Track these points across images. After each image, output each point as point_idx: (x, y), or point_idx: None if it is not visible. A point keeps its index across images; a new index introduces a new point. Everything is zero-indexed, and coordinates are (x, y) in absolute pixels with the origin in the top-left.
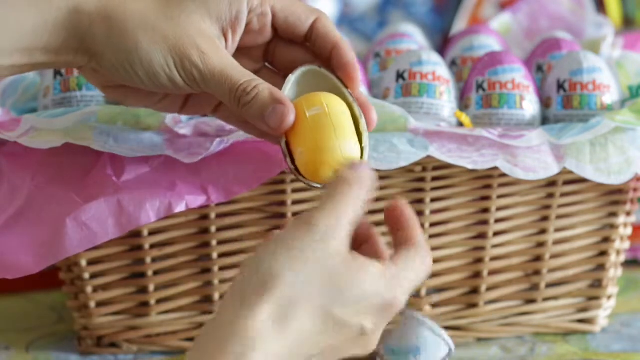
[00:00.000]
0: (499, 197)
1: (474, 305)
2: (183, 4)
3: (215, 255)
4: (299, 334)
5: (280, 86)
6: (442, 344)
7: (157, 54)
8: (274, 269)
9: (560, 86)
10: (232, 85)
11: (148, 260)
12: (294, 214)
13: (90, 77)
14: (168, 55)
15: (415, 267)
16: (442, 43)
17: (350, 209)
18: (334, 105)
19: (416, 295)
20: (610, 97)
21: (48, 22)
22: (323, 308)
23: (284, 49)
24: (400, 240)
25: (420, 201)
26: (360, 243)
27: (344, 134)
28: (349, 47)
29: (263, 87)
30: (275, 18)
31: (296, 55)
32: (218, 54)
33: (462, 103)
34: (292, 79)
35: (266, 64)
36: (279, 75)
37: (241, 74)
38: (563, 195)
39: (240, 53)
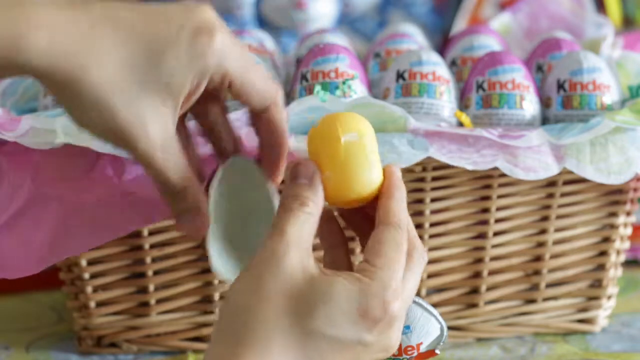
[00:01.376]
0: (499, 197)
1: (474, 305)
2: (146, 86)
3: None
4: None
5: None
6: (433, 321)
7: (101, 130)
8: (243, 306)
9: (560, 86)
10: (169, 187)
11: (148, 260)
12: None
13: None
14: (112, 139)
15: (392, 253)
16: (442, 43)
17: (297, 227)
18: (369, 134)
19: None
20: (610, 97)
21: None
22: (303, 330)
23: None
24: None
25: (420, 201)
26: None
27: (373, 165)
28: (286, 149)
29: (189, 191)
30: (230, 88)
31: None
32: (166, 148)
33: (462, 103)
34: (220, 172)
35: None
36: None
37: (182, 176)
38: (563, 195)
39: None
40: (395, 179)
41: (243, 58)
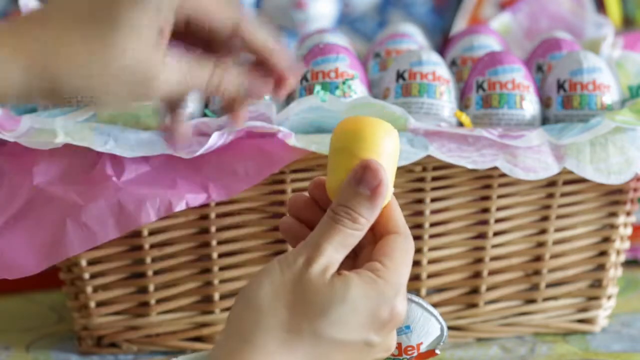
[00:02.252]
0: (499, 197)
1: (474, 305)
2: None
3: (215, 255)
4: None
5: None
6: (433, 321)
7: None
8: (259, 303)
9: (560, 86)
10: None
11: (148, 260)
12: None
13: None
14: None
15: (402, 259)
16: (442, 43)
17: (335, 245)
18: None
19: (416, 294)
20: (610, 97)
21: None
22: (314, 333)
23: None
24: (379, 232)
25: (420, 201)
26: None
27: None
28: (279, 55)
29: (225, 77)
30: (189, 19)
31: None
32: (168, 74)
33: (462, 103)
34: None
35: None
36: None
37: (192, 79)
38: (563, 195)
39: None
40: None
41: None
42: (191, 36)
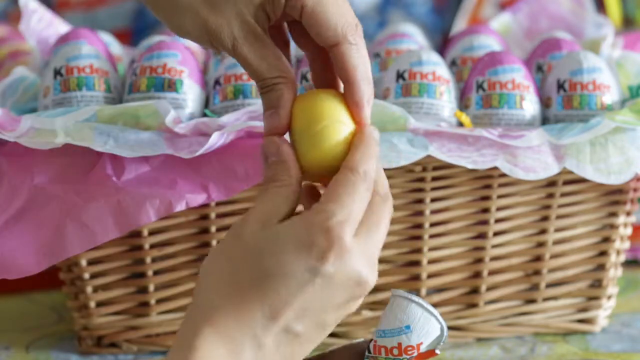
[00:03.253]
0: (499, 197)
1: (474, 305)
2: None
3: None
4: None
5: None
6: (433, 321)
7: (201, 35)
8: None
9: (560, 86)
10: (258, 75)
11: (148, 260)
12: None
13: None
14: (207, 40)
15: (342, 188)
16: (442, 43)
17: (265, 202)
18: (334, 114)
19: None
20: (610, 97)
21: None
22: (259, 275)
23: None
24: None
25: (420, 201)
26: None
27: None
28: (360, 85)
29: (279, 88)
30: (302, 17)
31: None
32: (250, 42)
33: (462, 103)
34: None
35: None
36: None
37: (270, 68)
38: (563, 195)
39: None
40: (364, 134)
41: None
42: (300, 29)
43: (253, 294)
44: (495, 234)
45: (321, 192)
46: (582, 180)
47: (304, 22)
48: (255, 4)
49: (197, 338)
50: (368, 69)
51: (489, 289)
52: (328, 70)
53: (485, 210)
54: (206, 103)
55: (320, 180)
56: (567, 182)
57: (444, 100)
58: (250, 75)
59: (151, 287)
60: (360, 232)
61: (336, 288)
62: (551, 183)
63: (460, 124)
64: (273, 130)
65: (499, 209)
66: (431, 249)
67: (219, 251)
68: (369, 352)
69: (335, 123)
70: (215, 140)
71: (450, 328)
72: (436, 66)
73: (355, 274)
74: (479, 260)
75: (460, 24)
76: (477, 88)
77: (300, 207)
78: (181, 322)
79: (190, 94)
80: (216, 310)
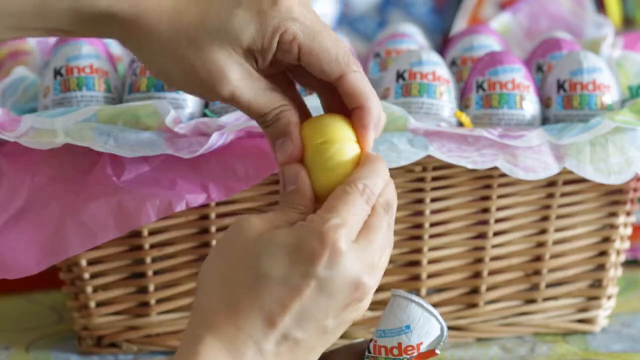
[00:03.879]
0: (499, 197)
1: (474, 305)
2: (209, 36)
3: None
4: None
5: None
6: (433, 321)
7: (187, 88)
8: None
9: (560, 86)
10: (259, 112)
11: (148, 260)
12: None
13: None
14: (198, 86)
15: (339, 200)
16: (442, 43)
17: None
18: (338, 139)
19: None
20: (610, 97)
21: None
22: (254, 277)
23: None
24: None
25: (420, 201)
26: None
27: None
28: (370, 109)
29: (284, 115)
30: (300, 59)
31: (316, 85)
32: (246, 84)
33: (462, 103)
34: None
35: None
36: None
37: (269, 102)
38: (563, 195)
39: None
40: (369, 157)
41: (312, 21)
42: (299, 71)
43: (250, 299)
44: (495, 234)
45: None
46: (582, 180)
47: (303, 64)
48: (243, 47)
49: (199, 344)
50: (375, 93)
51: (489, 289)
52: (335, 99)
53: (485, 210)
54: (206, 103)
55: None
56: (567, 182)
57: (444, 100)
58: (250, 114)
59: (151, 287)
60: (360, 235)
61: (333, 292)
62: (551, 183)
63: (460, 124)
64: (288, 158)
65: (499, 209)
66: (431, 249)
67: (217, 251)
68: (369, 352)
69: (346, 145)
70: (215, 140)
71: (450, 328)
72: (436, 66)
73: (351, 277)
74: (479, 260)
75: (460, 24)
76: (477, 88)
77: None
78: (182, 322)
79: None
80: (216, 315)
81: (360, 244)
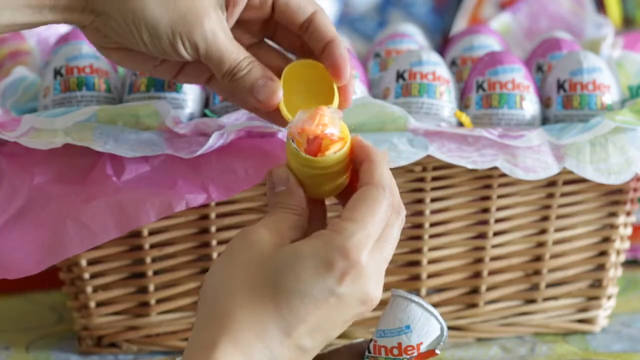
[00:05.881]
0: (499, 197)
1: (474, 305)
2: None
3: (215, 255)
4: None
5: (277, 60)
6: (433, 321)
7: (163, 22)
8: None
9: (560, 86)
10: (231, 62)
11: (148, 260)
12: None
13: (91, 36)
14: (174, 26)
15: (366, 208)
16: (442, 43)
17: (274, 220)
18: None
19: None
20: (610, 97)
21: None
22: (274, 291)
23: (283, 30)
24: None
25: (420, 201)
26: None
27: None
28: (342, 44)
29: (256, 64)
30: (275, 2)
31: (293, 41)
32: (221, 32)
33: (462, 103)
34: (287, 68)
35: (266, 40)
36: (277, 52)
37: (241, 53)
38: (563, 195)
39: (239, 25)
40: (364, 146)
41: None
42: (269, 23)
43: (271, 309)
44: (495, 234)
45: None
46: (582, 180)
47: (278, 8)
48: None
49: (216, 349)
50: None
51: (489, 289)
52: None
53: (485, 210)
54: (206, 103)
55: (324, 197)
56: (567, 182)
57: (444, 100)
58: (221, 62)
59: (151, 287)
60: (375, 247)
61: (346, 306)
62: (551, 183)
63: (460, 124)
64: (272, 95)
65: (499, 209)
66: (431, 249)
67: (230, 258)
68: (369, 352)
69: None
70: (215, 140)
71: (450, 328)
72: (436, 66)
73: (364, 293)
74: (479, 260)
75: (460, 24)
76: (477, 88)
77: None
78: (182, 322)
79: (190, 93)
80: (233, 321)
81: (377, 254)
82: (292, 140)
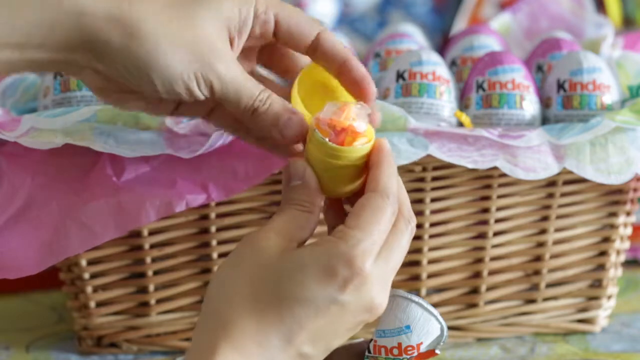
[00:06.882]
0: (499, 197)
1: (474, 305)
2: (193, 9)
3: (215, 255)
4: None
5: (270, 85)
6: (433, 321)
7: (178, 62)
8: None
9: (560, 86)
10: (248, 98)
11: (148, 260)
12: None
13: (88, 78)
14: (189, 67)
15: (371, 216)
16: (442, 43)
17: (285, 219)
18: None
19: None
20: (610, 97)
21: (47, 20)
22: (277, 297)
23: (278, 55)
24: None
25: (420, 201)
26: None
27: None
28: (356, 61)
29: (273, 97)
30: (277, 26)
31: (296, 60)
32: (235, 67)
33: (462, 103)
34: (296, 79)
35: (258, 66)
36: (268, 80)
37: (255, 86)
38: (563, 195)
39: (240, 55)
40: (382, 151)
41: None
42: (273, 52)
43: (272, 316)
44: (495, 234)
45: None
46: (582, 180)
47: (281, 30)
48: (222, 22)
49: (216, 354)
50: None
51: (489, 289)
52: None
53: (485, 210)
54: None
55: (339, 197)
56: (567, 182)
57: (444, 100)
58: (239, 98)
59: (151, 287)
60: (380, 254)
61: (349, 314)
62: (551, 183)
63: (460, 124)
64: (299, 129)
65: (499, 209)
66: (431, 249)
67: (236, 263)
68: (369, 352)
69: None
70: (215, 140)
71: (450, 328)
72: (436, 66)
73: (368, 302)
74: (479, 260)
75: (460, 24)
76: (477, 88)
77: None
78: (182, 322)
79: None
80: (235, 327)
81: (382, 261)
82: (317, 131)
